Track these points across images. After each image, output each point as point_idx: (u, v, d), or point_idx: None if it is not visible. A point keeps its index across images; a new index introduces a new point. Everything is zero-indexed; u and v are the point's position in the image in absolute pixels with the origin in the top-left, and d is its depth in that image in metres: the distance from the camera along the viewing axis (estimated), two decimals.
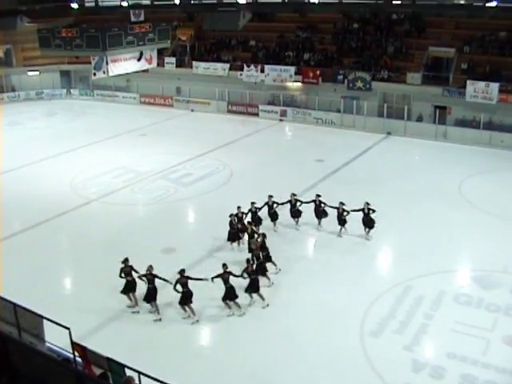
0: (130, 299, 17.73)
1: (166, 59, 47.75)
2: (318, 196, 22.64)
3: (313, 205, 22.76)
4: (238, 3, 44.19)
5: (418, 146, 35.38)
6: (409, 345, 15.52)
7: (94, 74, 31.39)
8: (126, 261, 17.70)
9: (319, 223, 22.96)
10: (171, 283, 16.96)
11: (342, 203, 21.87)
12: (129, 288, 17.58)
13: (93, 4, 58.81)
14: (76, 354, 10.21)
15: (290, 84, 42.75)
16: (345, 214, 21.89)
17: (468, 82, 35.15)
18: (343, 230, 22.33)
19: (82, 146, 36.04)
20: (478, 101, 34.82)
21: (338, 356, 15.24)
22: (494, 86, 34.29)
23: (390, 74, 39.28)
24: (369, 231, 22.07)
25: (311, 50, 44.01)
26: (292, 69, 42.22)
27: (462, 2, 41.81)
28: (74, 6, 51.76)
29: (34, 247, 22.16)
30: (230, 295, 17.08)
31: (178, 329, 16.59)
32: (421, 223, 23.44)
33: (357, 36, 43.24)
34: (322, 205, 22.50)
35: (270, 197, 22.48)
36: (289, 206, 22.94)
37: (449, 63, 38.66)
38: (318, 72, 41.30)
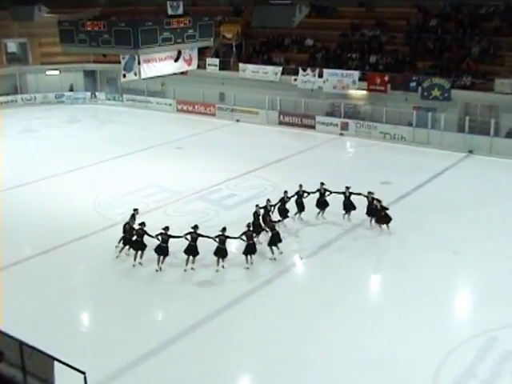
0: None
1: (208, 60, 48.33)
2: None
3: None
4: None
5: (506, 167, 34.75)
6: None
7: (124, 76, 31.75)
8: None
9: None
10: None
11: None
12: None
13: None
14: None
15: (352, 92, 42.70)
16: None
17: None
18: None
19: (108, 159, 36.61)
20: None
21: None
22: None
23: (473, 80, 38.79)
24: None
25: (379, 51, 43.92)
26: (356, 74, 42.15)
27: None
28: None
29: (47, 275, 22.33)
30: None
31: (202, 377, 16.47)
32: (508, 261, 22.82)
33: (434, 35, 42.95)
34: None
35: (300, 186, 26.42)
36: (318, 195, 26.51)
37: None
38: (386, 78, 41.13)
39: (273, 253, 23.05)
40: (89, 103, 53.55)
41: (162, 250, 22.19)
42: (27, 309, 19.59)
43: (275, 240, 23.12)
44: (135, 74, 31.18)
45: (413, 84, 40.28)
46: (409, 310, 19.65)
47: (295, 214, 26.41)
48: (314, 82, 43.58)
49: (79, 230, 25.93)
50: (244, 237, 22.53)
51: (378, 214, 25.25)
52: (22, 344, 10.68)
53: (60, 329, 18.53)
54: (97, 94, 54.15)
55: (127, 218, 24.44)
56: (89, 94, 54.16)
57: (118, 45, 29.46)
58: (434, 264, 22.48)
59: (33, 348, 10.66)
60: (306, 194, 26.32)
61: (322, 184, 26.46)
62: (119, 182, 32.52)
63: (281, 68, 45.77)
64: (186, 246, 22.22)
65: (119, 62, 32.03)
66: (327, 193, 26.36)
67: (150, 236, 22.36)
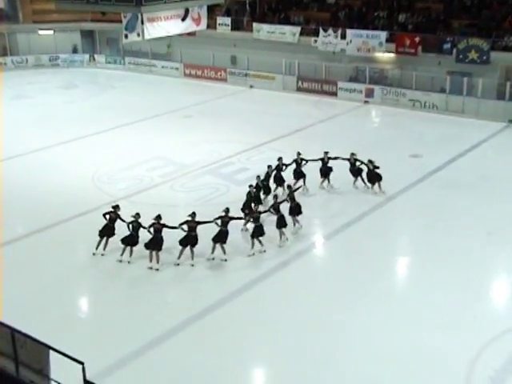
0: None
1: (219, 19, 48.11)
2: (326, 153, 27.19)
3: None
4: None
5: None
6: None
7: (126, 37, 31.65)
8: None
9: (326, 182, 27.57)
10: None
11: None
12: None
13: None
14: None
15: (379, 55, 42.47)
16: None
17: None
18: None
19: (108, 128, 36.68)
20: None
21: None
22: None
23: None
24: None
25: (409, 9, 43.61)
26: (383, 34, 41.87)
27: None
28: None
29: (42, 257, 22.43)
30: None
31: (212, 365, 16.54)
32: None
33: None
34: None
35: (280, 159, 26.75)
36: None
37: None
38: (417, 39, 40.85)
39: (295, 223, 23.32)
40: (87, 67, 53.44)
41: (191, 240, 21.33)
42: (20, 293, 19.61)
43: (296, 210, 23.26)
44: (138, 35, 31.05)
45: (447, 46, 39.96)
46: (439, 297, 19.53)
47: (274, 190, 25.98)
48: (336, 44, 43.34)
49: (77, 207, 25.98)
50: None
51: (370, 174, 26.61)
52: (14, 331, 10.72)
53: (56, 315, 18.59)
54: (96, 56, 53.93)
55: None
56: (87, 56, 53.87)
57: (118, 2, 29.30)
58: (466, 246, 22.40)
59: (26, 336, 10.70)
60: (284, 168, 26.68)
61: (299, 154, 27.08)
62: (121, 155, 32.54)
63: (299, 28, 45.52)
64: (216, 232, 21.63)
65: (120, 21, 31.95)
66: (303, 162, 26.99)
67: (171, 228, 21.32)
